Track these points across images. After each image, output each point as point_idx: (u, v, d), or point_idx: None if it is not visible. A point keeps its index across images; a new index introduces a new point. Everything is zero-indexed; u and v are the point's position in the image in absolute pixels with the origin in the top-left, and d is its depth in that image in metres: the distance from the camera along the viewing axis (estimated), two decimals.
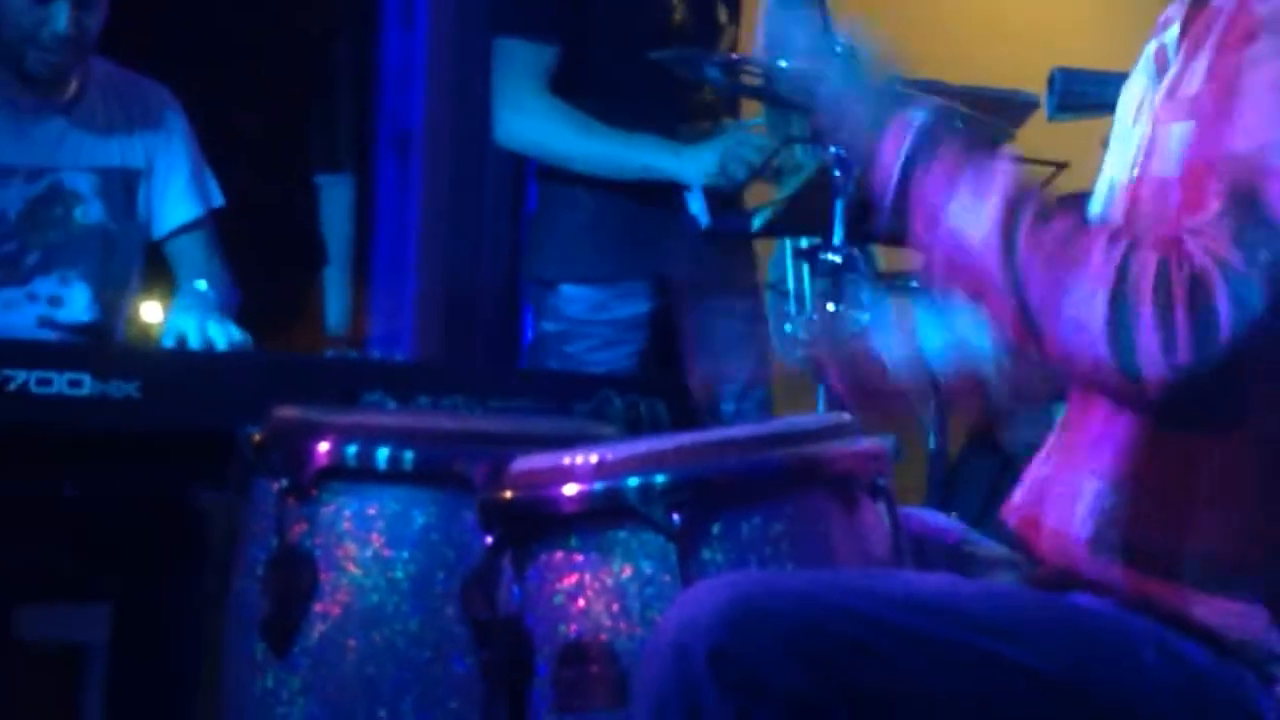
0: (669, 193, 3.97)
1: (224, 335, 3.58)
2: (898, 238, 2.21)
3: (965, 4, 4.42)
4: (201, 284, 3.74)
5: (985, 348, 2.47)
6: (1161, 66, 2.29)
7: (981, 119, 3.45)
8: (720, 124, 4.09)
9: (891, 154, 2.12)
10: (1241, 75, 2.01)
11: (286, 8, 6.66)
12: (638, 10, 4.07)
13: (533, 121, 4.04)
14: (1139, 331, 1.93)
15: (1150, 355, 1.92)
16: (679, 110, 4.03)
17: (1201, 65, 2.11)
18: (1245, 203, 1.95)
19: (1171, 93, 2.19)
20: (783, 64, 3.48)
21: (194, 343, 3.54)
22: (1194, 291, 1.91)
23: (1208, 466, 2.12)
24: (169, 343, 3.62)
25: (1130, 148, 2.30)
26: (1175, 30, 2.26)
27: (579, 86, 4.03)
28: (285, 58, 6.25)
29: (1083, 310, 1.96)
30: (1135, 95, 2.37)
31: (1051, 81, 3.44)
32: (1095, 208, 2.44)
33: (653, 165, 3.95)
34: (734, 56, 3.93)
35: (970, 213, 2.06)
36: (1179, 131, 2.10)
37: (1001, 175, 2.07)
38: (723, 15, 4.19)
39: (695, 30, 4.10)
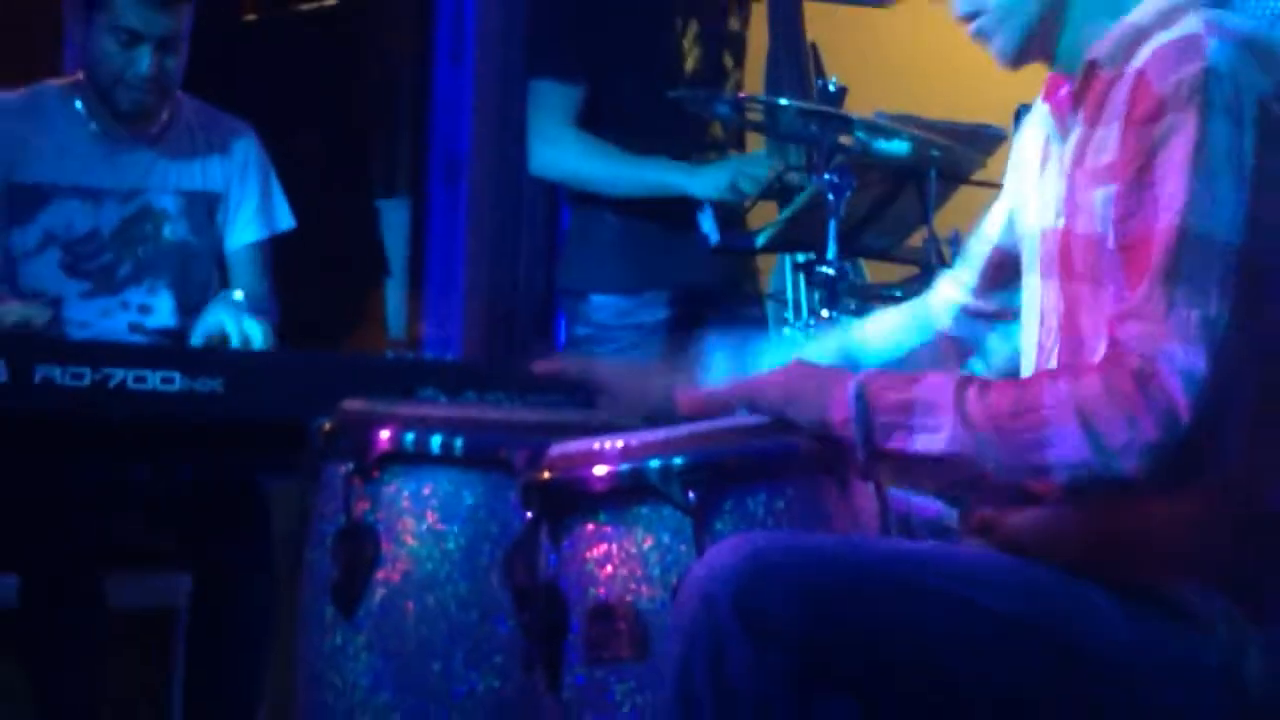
0: (684, 213, 3.92)
1: (260, 332, 3.58)
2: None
3: (941, 48, 4.37)
4: (238, 293, 3.70)
5: None
6: (1061, 125, 2.27)
7: (952, 150, 3.40)
8: (726, 155, 4.08)
9: (846, 423, 2.11)
10: (1155, 152, 2.00)
11: (351, 52, 6.65)
12: (655, 56, 4.02)
13: (562, 153, 4.00)
14: (1112, 441, 1.92)
15: (1129, 452, 1.91)
16: (691, 142, 4.00)
17: (1112, 135, 2.09)
18: (1170, 272, 1.94)
19: (1081, 159, 2.17)
20: (783, 101, 3.47)
21: (234, 338, 3.54)
22: (1143, 386, 1.91)
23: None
24: (199, 339, 3.61)
25: (1049, 200, 2.28)
26: (1072, 90, 2.23)
27: (603, 121, 4.00)
28: (351, 97, 6.24)
29: (1066, 451, 1.95)
30: (1036, 146, 2.39)
31: (1017, 116, 3.38)
32: (999, 235, 2.53)
33: (670, 183, 3.90)
34: (740, 95, 3.93)
35: (933, 437, 2.04)
36: (1102, 196, 2.08)
37: (938, 391, 2.06)
38: (729, 61, 4.14)
39: (706, 74, 4.07)
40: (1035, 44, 2.24)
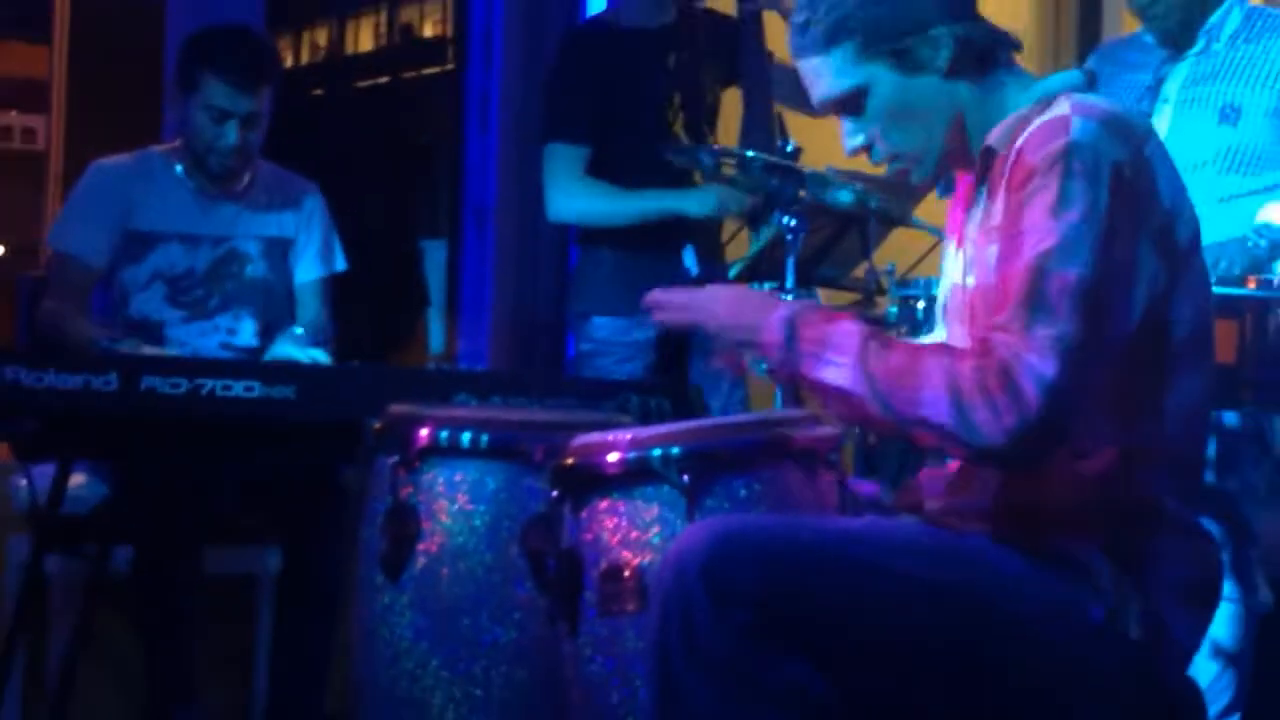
0: (669, 249, 3.91)
1: (320, 356, 3.62)
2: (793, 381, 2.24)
3: None
4: (298, 330, 3.74)
5: None
6: (969, 203, 2.28)
7: (889, 200, 3.41)
8: None
9: (776, 339, 2.13)
10: (1024, 207, 2.02)
11: (399, 121, 6.66)
12: (648, 123, 4.03)
13: (575, 199, 4.01)
14: (974, 415, 1.95)
15: (987, 429, 1.94)
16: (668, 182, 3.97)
17: (1000, 203, 2.10)
18: (1032, 296, 1.97)
19: (984, 224, 2.18)
20: (750, 154, 3.48)
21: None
22: (1003, 378, 1.94)
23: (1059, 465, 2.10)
24: (276, 357, 3.66)
25: (960, 261, 2.29)
26: (981, 174, 2.24)
27: (604, 174, 4.01)
28: (398, 157, 6.25)
29: (935, 412, 1.97)
30: (957, 216, 2.36)
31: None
32: (940, 298, 2.47)
33: (668, 207, 3.90)
34: (717, 148, 3.89)
35: (842, 368, 2.06)
36: (993, 252, 2.09)
37: (850, 331, 2.08)
38: (705, 127, 4.14)
39: (687, 136, 4.07)
40: (947, 164, 2.28)
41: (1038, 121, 2.10)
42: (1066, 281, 1.96)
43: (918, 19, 2.18)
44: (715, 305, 2.25)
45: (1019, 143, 2.09)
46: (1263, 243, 3.16)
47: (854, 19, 2.18)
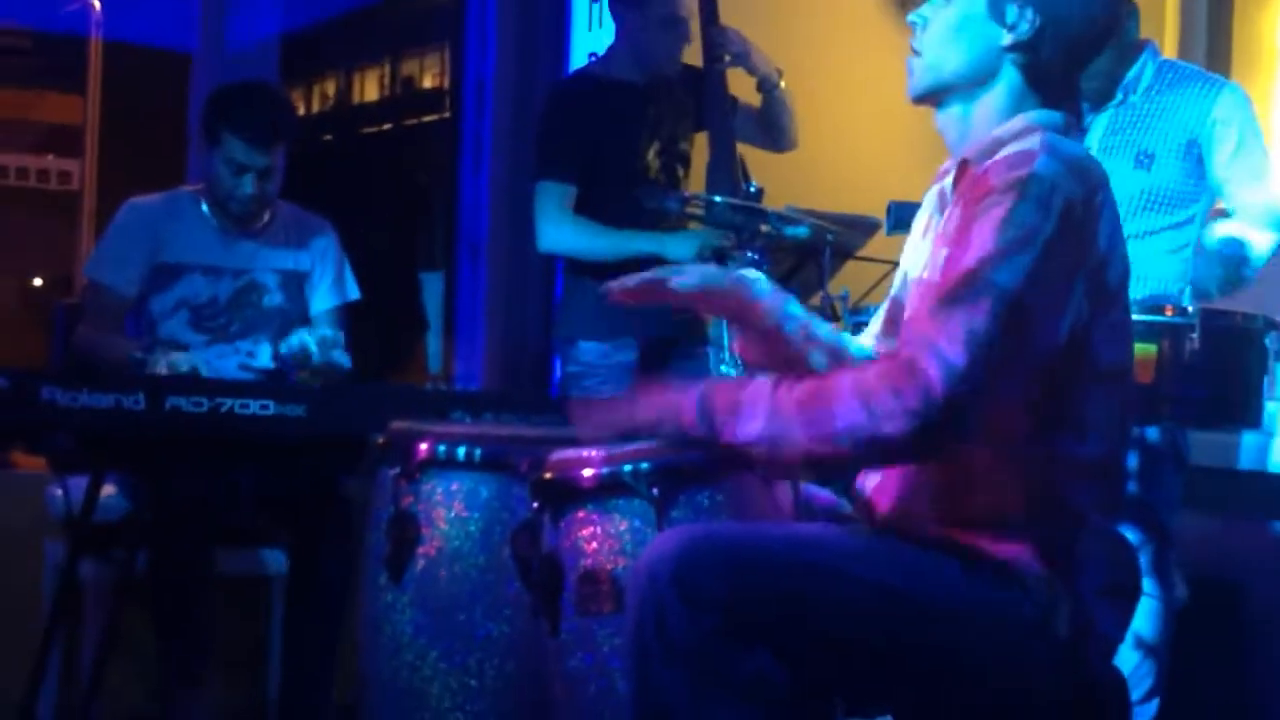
0: None
1: (343, 356, 3.63)
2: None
3: (836, 162, 4.38)
4: (326, 333, 3.70)
5: None
6: (942, 205, 2.27)
7: (842, 234, 3.43)
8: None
9: (689, 420, 2.12)
10: (976, 219, 2.00)
11: (401, 164, 6.67)
12: (627, 167, 4.02)
13: (564, 233, 3.98)
14: (880, 407, 1.92)
15: (892, 416, 1.91)
16: (651, 227, 3.95)
17: (959, 209, 2.10)
18: (958, 292, 1.95)
19: (943, 228, 2.18)
20: (717, 198, 3.48)
21: (312, 349, 3.58)
22: (909, 370, 1.91)
23: (986, 459, 2.09)
24: (290, 345, 3.64)
25: (921, 257, 2.29)
26: (950, 180, 2.24)
27: (589, 210, 3.98)
28: (400, 197, 6.26)
29: (848, 418, 1.94)
30: (924, 219, 2.37)
31: (889, 210, 3.42)
32: (894, 289, 2.47)
33: (651, 249, 3.85)
34: (686, 194, 3.89)
35: (758, 421, 2.03)
36: (943, 253, 2.07)
37: (755, 387, 2.06)
38: (680, 171, 4.14)
39: (663, 178, 4.06)
40: (932, 99, 2.24)
41: (1011, 148, 2.09)
42: (993, 287, 1.94)
43: (1049, 6, 2.14)
44: (635, 408, 2.24)
45: (988, 164, 2.08)
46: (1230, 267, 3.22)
47: None
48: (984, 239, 1.97)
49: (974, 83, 2.19)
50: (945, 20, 2.20)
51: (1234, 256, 3.32)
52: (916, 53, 2.23)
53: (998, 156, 2.09)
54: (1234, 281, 3.32)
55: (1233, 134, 3.42)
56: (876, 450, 1.96)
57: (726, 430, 2.06)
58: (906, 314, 2.28)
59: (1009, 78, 2.18)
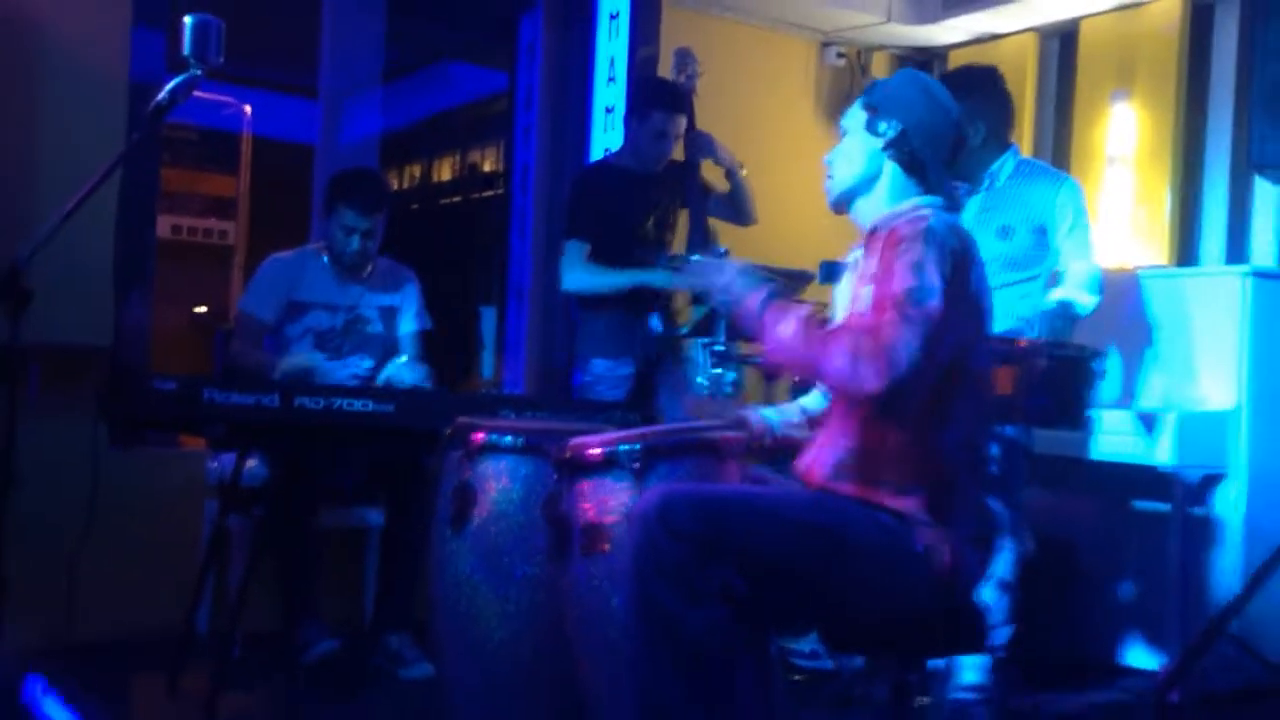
0: (642, 315, 3.90)
1: (418, 373, 3.64)
2: (755, 339, 2.26)
3: (784, 230, 4.38)
4: (403, 358, 3.73)
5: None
6: (854, 265, 2.33)
7: (785, 284, 3.42)
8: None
9: (753, 310, 2.19)
10: (896, 259, 2.06)
11: (468, 227, 6.67)
12: (631, 232, 3.98)
13: (576, 276, 3.95)
14: (861, 368, 2.00)
15: (868, 377, 2.00)
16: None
17: (876, 259, 2.13)
18: (903, 306, 2.02)
19: (861, 274, 2.22)
20: (694, 258, 3.47)
21: (409, 380, 3.59)
22: (886, 347, 1.99)
23: (891, 439, 2.14)
24: (382, 379, 3.66)
25: (846, 301, 2.34)
26: (861, 251, 2.30)
27: (599, 261, 3.95)
28: (468, 250, 6.26)
29: (838, 364, 2.03)
30: (850, 277, 2.40)
31: (820, 266, 3.43)
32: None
33: (641, 280, 3.85)
34: (671, 254, 3.87)
35: (786, 335, 2.11)
36: (865, 292, 2.13)
37: (795, 318, 2.12)
38: (669, 236, 4.10)
39: (655, 240, 4.03)
40: (843, 204, 2.32)
41: (909, 215, 2.18)
42: (924, 302, 2.02)
43: (905, 116, 2.25)
44: (723, 276, 2.27)
45: (894, 224, 2.16)
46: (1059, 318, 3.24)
47: (878, 99, 2.28)
48: (907, 275, 2.04)
49: (868, 181, 2.28)
50: (842, 148, 2.32)
51: (1066, 313, 3.33)
52: (829, 176, 2.34)
53: (900, 220, 2.16)
54: (1066, 329, 3.33)
55: (1069, 217, 3.42)
56: (848, 390, 2.06)
57: (770, 320, 2.15)
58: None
59: (891, 171, 2.27)
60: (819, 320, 2.13)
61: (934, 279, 2.03)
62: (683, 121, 3.96)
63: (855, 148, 2.29)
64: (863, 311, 2.14)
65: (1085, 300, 3.36)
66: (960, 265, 2.08)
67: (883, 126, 2.25)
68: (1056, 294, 3.34)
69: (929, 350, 2.00)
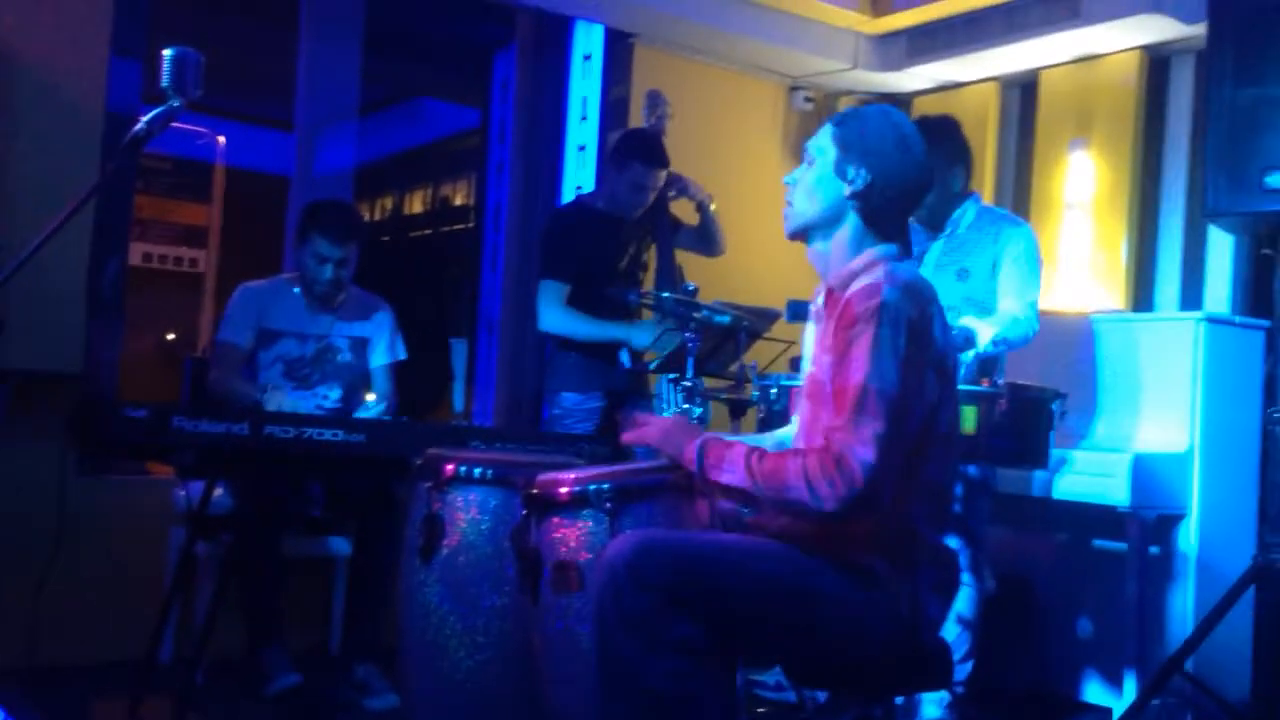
0: (612, 352, 3.90)
1: (384, 413, 3.62)
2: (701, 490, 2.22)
3: (752, 269, 4.40)
4: (371, 401, 3.70)
5: None
6: (817, 318, 2.27)
7: (753, 321, 3.43)
8: (637, 320, 3.99)
9: (691, 461, 2.13)
10: (851, 344, 2.01)
11: (439, 259, 6.66)
12: (605, 270, 3.99)
13: (558, 318, 3.94)
14: (819, 490, 1.96)
15: (828, 498, 1.96)
16: (619, 313, 3.94)
17: (832, 330, 2.09)
18: (858, 406, 1.96)
19: (822, 339, 2.17)
20: (664, 294, 3.47)
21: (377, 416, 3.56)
22: (839, 465, 1.95)
23: None
24: (367, 409, 3.64)
25: (810, 355, 2.30)
26: (821, 301, 2.25)
27: (575, 300, 3.96)
28: (439, 283, 6.24)
29: (795, 493, 1.98)
30: (813, 328, 2.35)
31: (787, 305, 3.42)
32: (799, 381, 2.47)
33: (620, 336, 3.87)
34: (642, 291, 3.87)
35: (733, 476, 2.07)
36: (826, 359, 2.08)
37: (738, 458, 2.07)
38: (640, 274, 4.11)
39: (628, 279, 4.05)
40: (800, 237, 2.25)
41: (862, 280, 2.10)
42: (880, 395, 1.97)
43: (876, 166, 2.17)
44: (656, 433, 2.23)
45: (848, 293, 2.09)
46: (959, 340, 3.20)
47: (852, 140, 2.19)
48: (862, 359, 1.99)
49: (828, 224, 2.21)
50: (807, 179, 2.24)
51: (966, 342, 3.26)
52: (789, 204, 2.26)
53: (854, 286, 2.10)
54: (959, 352, 3.26)
55: (1009, 258, 3.43)
56: (812, 516, 1.99)
57: (713, 474, 2.09)
58: (803, 402, 2.28)
59: (852, 220, 2.20)
60: (760, 452, 2.06)
61: (889, 362, 1.99)
62: (661, 175, 3.97)
63: (820, 185, 2.20)
64: (822, 386, 2.10)
65: (984, 332, 3.25)
66: (919, 332, 2.04)
67: (851, 173, 2.17)
68: (963, 321, 3.31)
69: (889, 446, 1.96)
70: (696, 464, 2.11)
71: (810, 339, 2.38)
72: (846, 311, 2.06)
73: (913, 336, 2.01)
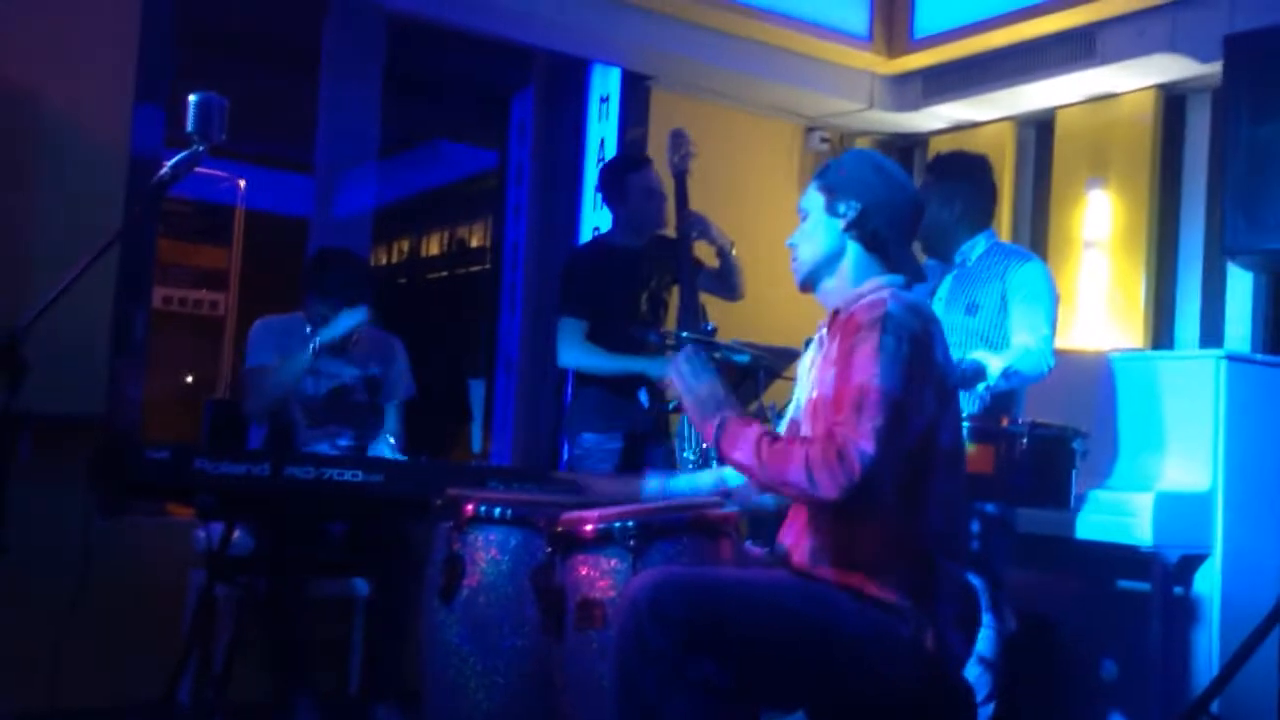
0: (631, 391, 3.90)
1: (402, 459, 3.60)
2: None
3: (771, 310, 4.40)
4: (390, 439, 3.71)
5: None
6: (820, 344, 2.34)
7: (772, 361, 3.44)
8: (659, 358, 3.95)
9: (710, 434, 2.20)
10: (854, 349, 2.07)
11: (456, 301, 6.68)
12: (625, 308, 4.00)
13: (577, 355, 3.96)
14: (819, 477, 1.99)
15: (826, 486, 1.99)
16: (639, 351, 3.91)
17: (836, 344, 2.15)
18: (859, 402, 2.00)
19: (825, 357, 2.22)
20: (684, 335, 3.49)
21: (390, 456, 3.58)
22: (840, 456, 1.99)
23: (866, 524, 2.13)
24: (377, 449, 3.64)
25: (807, 384, 2.34)
26: (825, 329, 2.32)
27: (595, 338, 3.96)
28: (456, 323, 6.26)
29: (796, 477, 2.03)
30: (808, 359, 2.43)
31: (805, 344, 3.39)
32: (793, 410, 2.50)
33: (638, 369, 3.87)
34: (663, 331, 3.88)
35: (743, 454, 2.13)
36: (829, 375, 2.13)
37: (750, 437, 2.13)
38: (661, 312, 4.12)
39: (649, 318, 4.05)
40: (810, 284, 2.34)
41: (869, 298, 2.19)
42: (882, 394, 2.02)
43: (863, 195, 2.27)
44: (690, 397, 2.27)
45: (854, 309, 2.17)
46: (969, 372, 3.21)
47: (835, 181, 2.31)
48: (865, 362, 2.05)
49: (831, 260, 2.30)
50: (804, 230, 2.34)
51: (968, 371, 3.24)
52: (795, 259, 2.36)
53: (860, 305, 2.17)
54: (968, 387, 3.26)
55: (1022, 292, 3.42)
56: (811, 501, 2.06)
57: (727, 448, 2.15)
58: (807, 425, 2.31)
59: (853, 250, 2.29)
60: (772, 436, 2.12)
61: (891, 366, 2.04)
62: (654, 173, 4.01)
63: (817, 229, 2.31)
64: (825, 397, 2.14)
65: (994, 364, 3.24)
66: (921, 346, 2.09)
67: (842, 208, 2.28)
68: (974, 354, 3.31)
69: (888, 441, 2.00)
70: (715, 436, 2.18)
71: (806, 367, 2.43)
72: (850, 322, 2.14)
73: (915, 348, 2.08)
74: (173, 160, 2.66)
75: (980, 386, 3.17)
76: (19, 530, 2.55)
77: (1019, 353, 3.30)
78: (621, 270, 4.01)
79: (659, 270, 4.08)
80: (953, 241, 3.49)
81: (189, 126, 2.61)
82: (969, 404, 3.32)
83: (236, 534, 3.42)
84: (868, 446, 1.98)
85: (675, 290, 4.11)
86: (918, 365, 2.07)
